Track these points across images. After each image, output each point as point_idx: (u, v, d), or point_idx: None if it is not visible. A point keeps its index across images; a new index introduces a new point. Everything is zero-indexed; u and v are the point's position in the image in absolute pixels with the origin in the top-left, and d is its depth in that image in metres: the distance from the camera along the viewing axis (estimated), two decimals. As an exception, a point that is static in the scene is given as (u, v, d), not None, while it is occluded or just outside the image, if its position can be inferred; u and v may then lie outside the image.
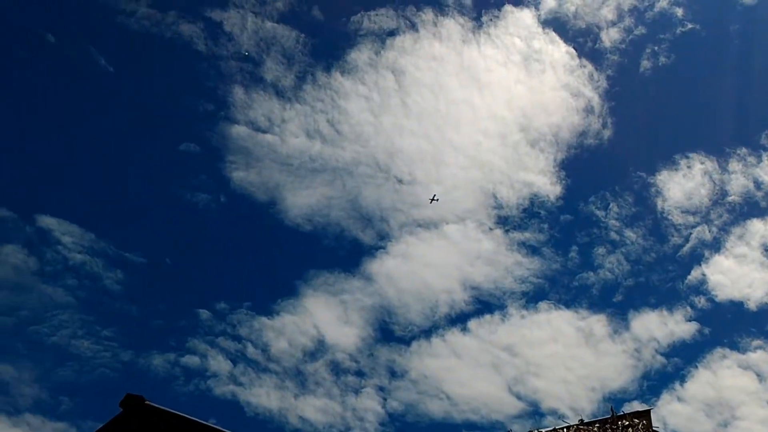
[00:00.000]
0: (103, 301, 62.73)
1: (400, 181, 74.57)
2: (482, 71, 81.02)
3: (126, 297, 63.30)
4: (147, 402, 13.01)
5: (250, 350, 62.14)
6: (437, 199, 69.74)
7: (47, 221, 62.06)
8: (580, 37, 79.55)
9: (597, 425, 14.00)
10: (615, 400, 62.27)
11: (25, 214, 63.01)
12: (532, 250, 72.63)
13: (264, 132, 71.93)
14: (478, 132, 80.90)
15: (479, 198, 75.18)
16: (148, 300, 67.09)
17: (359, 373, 63.97)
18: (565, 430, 13.98)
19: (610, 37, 77.28)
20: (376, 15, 76.43)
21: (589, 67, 77.31)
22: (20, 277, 60.47)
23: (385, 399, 62.32)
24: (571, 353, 68.00)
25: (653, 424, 15.50)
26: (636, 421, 15.08)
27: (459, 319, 68.38)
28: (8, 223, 61.52)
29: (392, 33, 77.11)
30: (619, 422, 14.49)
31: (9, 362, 55.95)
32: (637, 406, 16.09)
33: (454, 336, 67.75)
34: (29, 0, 70.21)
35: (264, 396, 60.14)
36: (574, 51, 78.72)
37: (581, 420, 14.53)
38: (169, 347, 62.35)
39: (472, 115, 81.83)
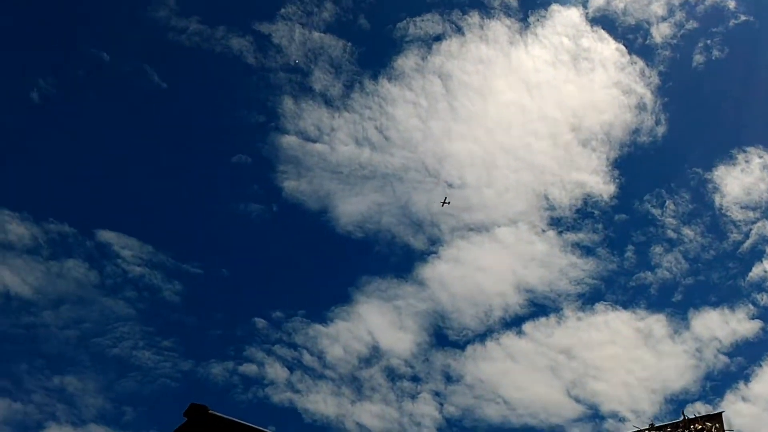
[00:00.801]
0: (162, 313, 64.16)
1: (450, 186, 74.27)
2: (531, 72, 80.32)
3: (185, 308, 64.65)
4: (210, 411, 13.09)
5: (306, 357, 62.70)
6: (449, 202, 68.86)
7: (107, 235, 63.87)
8: (629, 34, 78.23)
9: (668, 429, 13.52)
10: (677, 401, 60.77)
11: (85, 229, 64.92)
12: (587, 250, 71.56)
13: (314, 141, 72.68)
14: (528, 133, 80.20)
15: (531, 200, 74.41)
16: (206, 310, 68.43)
17: (415, 379, 63.84)
18: (636, 434, 13.56)
19: (660, 32, 75.79)
20: (422, 20, 76.53)
21: (640, 63, 75.92)
22: (82, 290, 62.25)
23: (441, 404, 62.02)
24: (630, 355, 66.64)
25: (726, 428, 14.95)
26: (708, 424, 14.55)
27: (514, 323, 67.74)
28: (69, 238, 63.41)
29: (438, 38, 77.12)
30: (691, 426, 13.99)
31: (74, 374, 57.59)
32: (700, 408, 15.56)
33: (509, 339, 67.13)
34: (84, 21, 72.40)
35: (321, 402, 60.51)
36: (624, 48, 77.48)
37: (652, 424, 14.07)
38: (227, 356, 63.36)
39: (522, 117, 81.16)
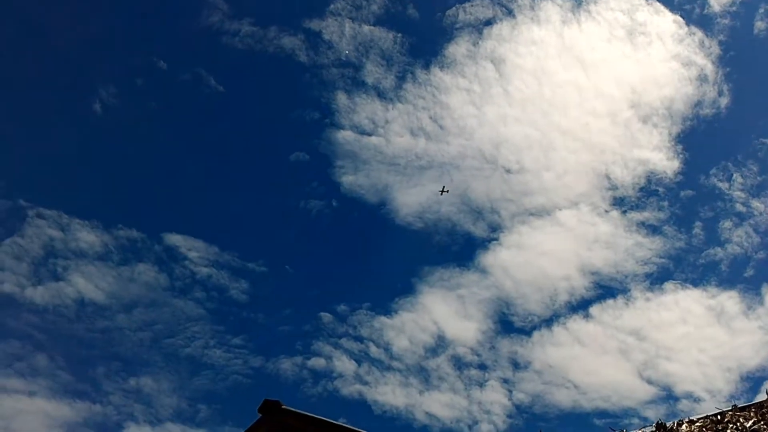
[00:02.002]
0: (231, 311, 65.57)
1: (509, 171, 73.50)
2: (585, 50, 78.65)
3: (252, 306, 65.94)
4: (284, 406, 13.20)
5: (373, 350, 63.06)
6: (447, 191, 67.42)
7: (173, 239, 65.52)
8: (686, 5, 76.09)
9: (753, 409, 13.02)
10: (753, 379, 58.81)
11: (153, 233, 66.87)
12: (653, 229, 69.85)
13: (369, 135, 72.85)
14: (586, 113, 78.60)
15: (592, 180, 72.91)
16: (273, 307, 69.59)
17: (482, 367, 63.58)
18: (719, 416, 13.08)
19: (719, 0, 73.07)
20: (471, 6, 75.71)
21: (699, 34, 73.44)
22: (153, 293, 64.10)
23: (510, 391, 61.59)
24: (702, 333, 64.89)
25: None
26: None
27: (580, 306, 66.70)
28: (138, 243, 65.24)
29: (489, 22, 76.20)
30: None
31: (149, 375, 59.38)
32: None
33: (576, 323, 66.13)
34: (141, 31, 74.12)
35: (390, 394, 60.84)
36: (681, 19, 75.15)
37: (735, 405, 13.57)
38: (295, 351, 64.41)
39: (579, 97, 79.73)
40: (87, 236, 63.42)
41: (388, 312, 67.66)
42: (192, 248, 65.45)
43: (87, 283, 62.59)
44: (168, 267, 65.35)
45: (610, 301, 66.89)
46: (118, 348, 62.43)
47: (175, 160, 75.80)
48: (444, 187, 67.65)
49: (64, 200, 73.82)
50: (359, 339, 64.28)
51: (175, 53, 75.12)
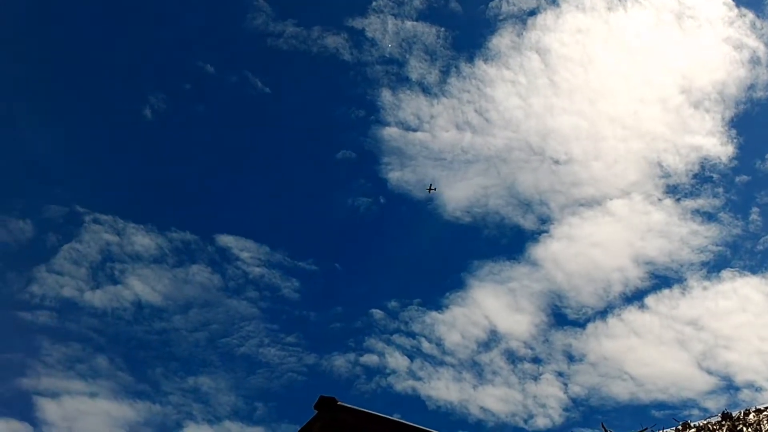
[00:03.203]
0: (283, 310, 66.26)
1: (557, 162, 72.49)
2: (632, 37, 77.07)
3: (304, 304, 66.51)
4: (339, 402, 13.23)
5: (425, 345, 62.91)
6: (435, 189, 66.18)
7: (225, 240, 66.50)
8: (736, -14, 73.57)
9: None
10: (818, 367, 56.89)
11: (206, 235, 67.98)
12: (708, 216, 68.14)
13: (414, 130, 72.60)
14: (634, 100, 77.08)
15: (643, 169, 71.49)
16: (325, 304, 70.14)
17: (536, 360, 62.90)
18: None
19: (770, -19, 70.81)
20: (515, -4, 74.78)
21: (750, 15, 71.35)
22: (208, 294, 65.17)
23: (565, 384, 60.81)
24: (762, 321, 63.22)
25: None
26: None
27: (635, 297, 65.44)
28: (192, 245, 66.38)
29: (533, 12, 75.36)
30: None
31: (207, 374, 60.46)
32: None
33: (631, 314, 64.92)
34: (188, 36, 75.35)
35: (443, 389, 60.62)
36: (731, 1, 72.97)
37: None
38: (348, 348, 64.66)
39: (627, 84, 78.33)
40: (142, 240, 64.89)
41: (439, 307, 67.38)
42: (244, 249, 66.38)
43: (143, 286, 64.06)
44: (221, 268, 66.42)
45: (666, 291, 65.53)
46: (175, 348, 63.76)
47: (225, 163, 77.04)
48: (431, 184, 67.28)
49: (118, 205, 75.86)
50: (411, 335, 64.26)
51: (221, 57, 76.28)
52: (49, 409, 56.01)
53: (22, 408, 58.03)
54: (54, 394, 58.42)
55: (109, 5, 76.05)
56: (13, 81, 72.06)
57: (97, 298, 62.39)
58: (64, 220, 66.34)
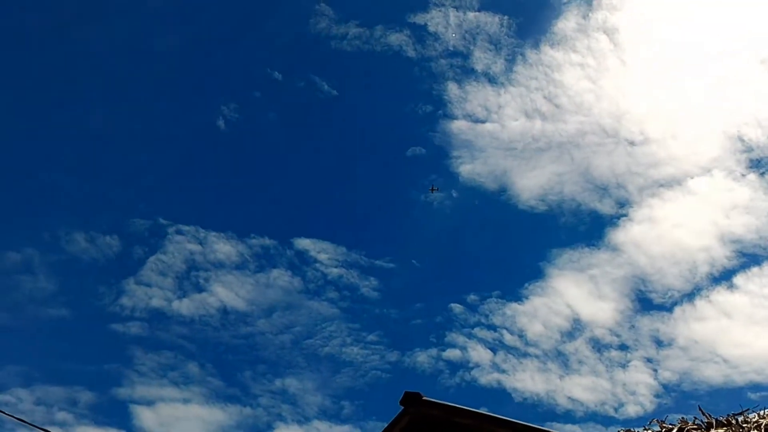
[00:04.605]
0: (364, 309, 67.04)
1: (632, 143, 70.75)
2: (704, 7, 74.25)
3: (383, 302, 67.05)
4: (425, 398, 13.36)
5: (507, 337, 62.53)
6: (437, 189, 64.46)
7: (303, 243, 67.88)
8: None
9: None
10: None
11: (284, 239, 69.48)
12: (796, 189, 64.99)
13: (483, 122, 72.16)
14: (710, 74, 74.28)
15: (723, 144, 69.15)
16: (404, 302, 70.59)
17: (623, 347, 61.66)
18: None
19: None
20: (578, -23, 73.31)
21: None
22: (289, 297, 66.62)
23: (655, 370, 59.42)
24: None
25: None
26: None
27: (723, 277, 63.30)
28: (271, 250, 67.86)
29: (597, -8, 73.44)
30: None
31: (293, 376, 61.82)
32: None
33: (720, 295, 62.87)
34: (254, 44, 77.02)
35: (529, 380, 60.20)
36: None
37: None
38: (430, 344, 64.92)
39: (701, 57, 75.55)
40: (223, 247, 66.74)
41: (518, 298, 66.81)
42: (321, 251, 67.50)
43: (228, 292, 65.90)
44: (300, 271, 67.73)
45: (756, 269, 63.27)
46: (261, 352, 65.40)
47: (297, 167, 78.32)
48: (432, 185, 66.38)
49: (199, 215, 78.29)
50: (492, 327, 63.93)
51: (288, 63, 77.68)
52: (145, 416, 58.40)
53: (120, 417, 60.56)
54: (149, 402, 60.97)
55: (173, 20, 78.34)
56: (91, 98, 75.14)
57: (184, 306, 64.72)
58: (149, 233, 69.03)
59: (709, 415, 7.61)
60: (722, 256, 64.07)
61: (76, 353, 67.80)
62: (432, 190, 65.92)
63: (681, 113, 74.64)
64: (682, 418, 7.56)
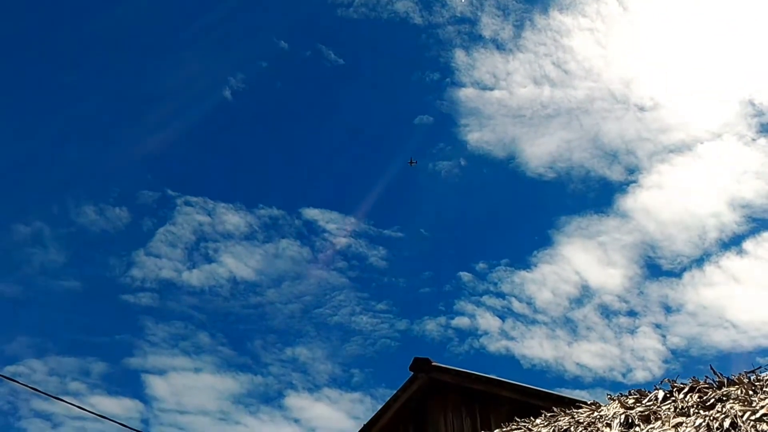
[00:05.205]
0: (372, 278, 67.52)
1: (642, 109, 70.23)
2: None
3: (392, 271, 67.51)
4: (434, 363, 13.40)
5: (516, 305, 62.80)
6: (416, 162, 63.83)
7: (311, 213, 68.32)
8: None
9: None
10: None
11: (292, 209, 70.14)
12: (808, 151, 64.33)
13: (491, 89, 71.65)
14: (721, 38, 73.36)
15: (734, 108, 68.83)
16: (412, 270, 70.98)
17: (631, 313, 62.06)
18: None
19: None
20: (587, -58, 72.02)
21: None
22: (298, 266, 67.11)
23: (664, 336, 59.81)
24: None
25: None
26: None
27: (733, 242, 63.80)
28: (280, 220, 68.23)
29: (609, -43, 72.20)
30: None
31: (303, 345, 62.59)
32: None
33: (729, 261, 62.89)
34: (259, 14, 76.42)
35: (537, 347, 60.73)
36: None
37: None
38: (438, 312, 65.61)
39: (711, 22, 74.27)
40: (232, 218, 67.26)
41: (527, 266, 67.30)
42: (329, 220, 67.99)
43: (237, 263, 66.67)
44: (309, 240, 68.08)
45: (766, 234, 62.89)
46: (271, 321, 66.33)
47: (305, 136, 78.25)
48: (411, 159, 65.72)
49: (207, 186, 78.49)
50: (501, 295, 64.24)
51: (294, 32, 77.14)
52: (157, 386, 59.80)
53: (133, 386, 62.35)
54: (161, 372, 62.46)
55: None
56: (98, 70, 74.92)
57: (194, 277, 65.58)
58: (158, 204, 69.48)
59: (721, 374, 7.56)
60: (732, 221, 64.25)
61: (88, 324, 70.19)
62: (411, 163, 65.70)
63: (691, 78, 73.80)
64: (694, 377, 7.52)
